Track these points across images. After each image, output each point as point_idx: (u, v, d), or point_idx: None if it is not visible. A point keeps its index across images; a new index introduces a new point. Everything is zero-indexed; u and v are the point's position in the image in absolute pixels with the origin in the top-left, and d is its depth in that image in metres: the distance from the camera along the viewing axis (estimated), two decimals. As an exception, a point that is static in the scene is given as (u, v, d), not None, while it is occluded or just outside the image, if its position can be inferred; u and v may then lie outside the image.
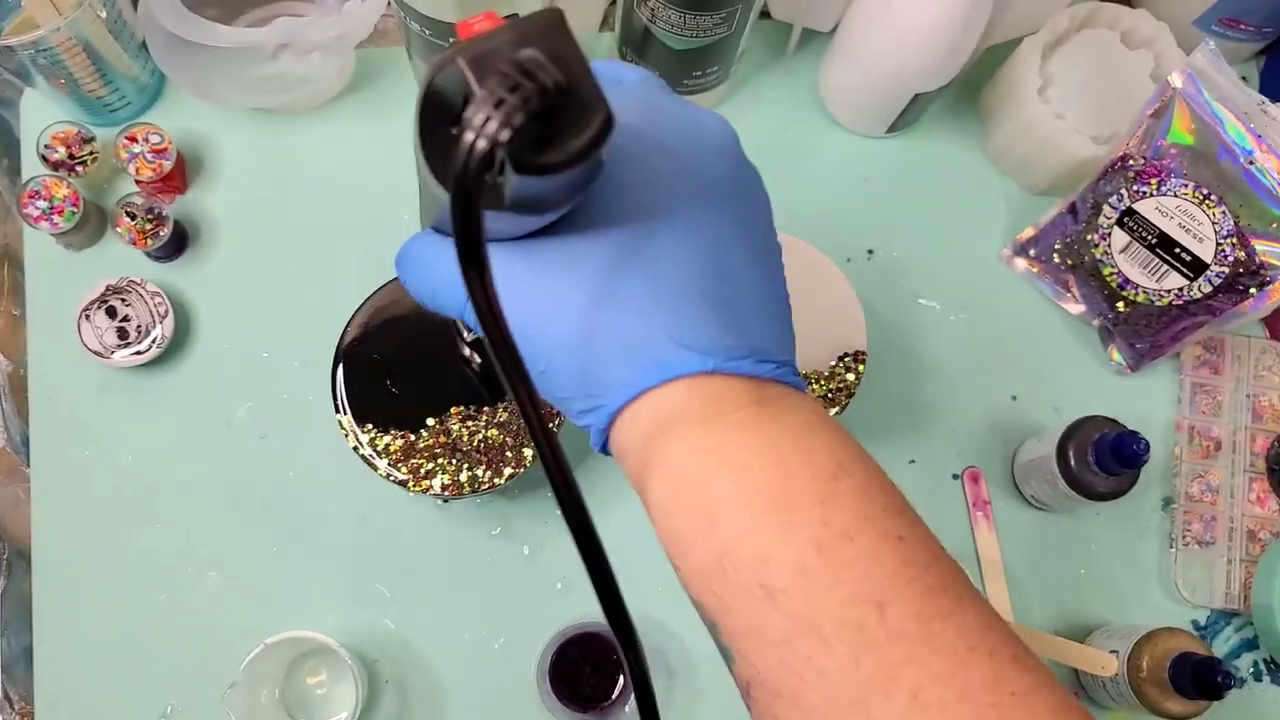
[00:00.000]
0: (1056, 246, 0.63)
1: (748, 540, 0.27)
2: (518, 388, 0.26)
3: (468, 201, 0.23)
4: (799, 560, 0.26)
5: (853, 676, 0.25)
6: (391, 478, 0.53)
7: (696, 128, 0.31)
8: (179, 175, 0.65)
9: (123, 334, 0.61)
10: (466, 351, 0.52)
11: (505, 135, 0.22)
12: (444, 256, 0.32)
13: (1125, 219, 0.60)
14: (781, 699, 0.27)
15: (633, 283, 0.28)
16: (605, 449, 0.31)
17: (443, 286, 0.32)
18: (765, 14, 0.66)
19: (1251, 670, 0.63)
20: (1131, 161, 0.59)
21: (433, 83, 0.25)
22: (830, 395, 0.56)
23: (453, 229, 0.24)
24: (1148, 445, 0.55)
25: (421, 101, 0.25)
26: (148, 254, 0.64)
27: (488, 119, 0.22)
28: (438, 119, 0.25)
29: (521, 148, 0.23)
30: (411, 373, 0.54)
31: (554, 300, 0.28)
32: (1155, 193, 0.59)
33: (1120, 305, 0.61)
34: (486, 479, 0.53)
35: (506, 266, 0.28)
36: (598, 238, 0.28)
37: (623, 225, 0.28)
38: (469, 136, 0.23)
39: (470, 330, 0.44)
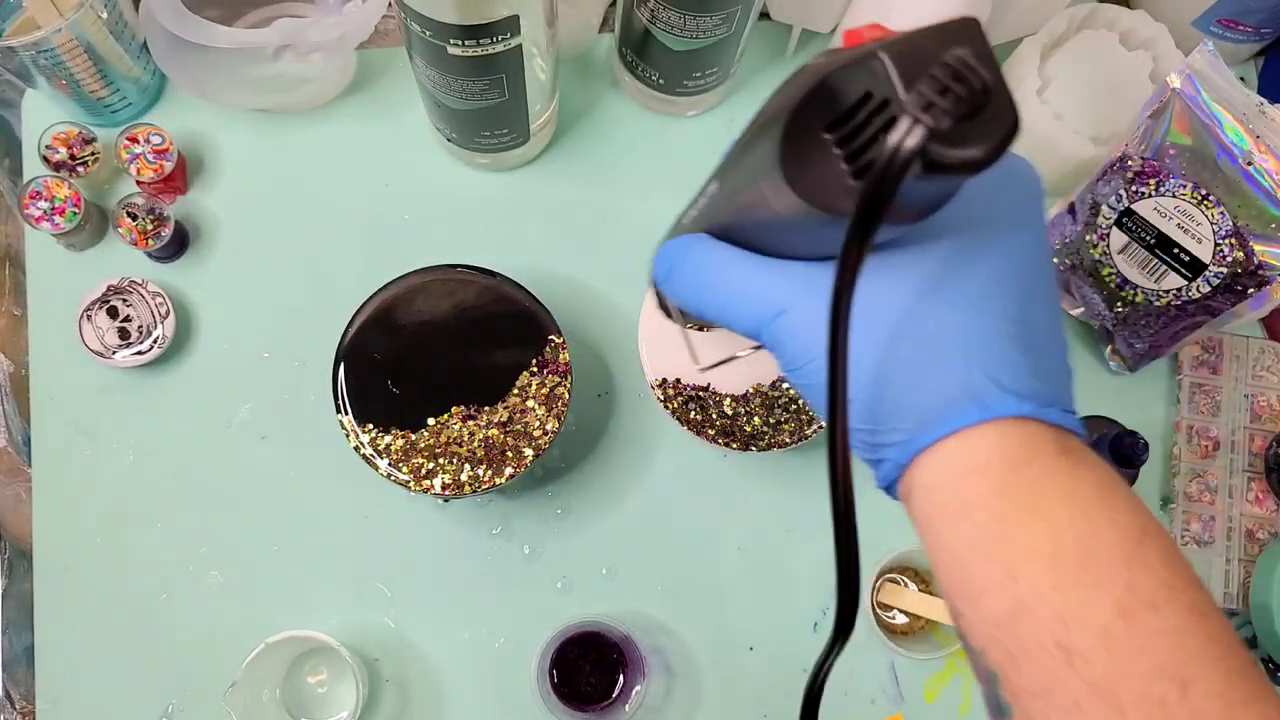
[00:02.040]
0: (1055, 247, 0.63)
1: (1050, 597, 0.26)
2: (840, 418, 0.25)
3: (874, 208, 0.23)
4: (1103, 625, 0.25)
5: None
6: (392, 477, 0.53)
7: (1009, 166, 0.30)
8: (180, 176, 0.65)
9: (124, 334, 0.62)
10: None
11: (944, 130, 0.22)
12: (748, 270, 0.31)
13: (1124, 219, 0.60)
14: None
15: (952, 318, 0.28)
16: (889, 487, 0.30)
17: (741, 301, 0.31)
18: (765, 15, 0.66)
19: (1250, 669, 0.63)
20: (1130, 162, 0.59)
21: (823, 83, 0.24)
22: (830, 395, 0.56)
23: (848, 235, 0.23)
24: (1146, 445, 0.55)
25: (801, 99, 0.24)
26: (149, 254, 0.64)
27: (926, 114, 0.22)
28: (810, 120, 0.24)
29: (936, 146, 0.23)
30: (412, 372, 0.55)
31: (871, 328, 0.28)
32: (1154, 193, 0.59)
33: (1119, 305, 0.61)
34: (487, 479, 0.54)
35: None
36: (918, 268, 0.28)
37: (943, 260, 0.28)
38: (898, 137, 0.22)
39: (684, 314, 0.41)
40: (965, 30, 0.23)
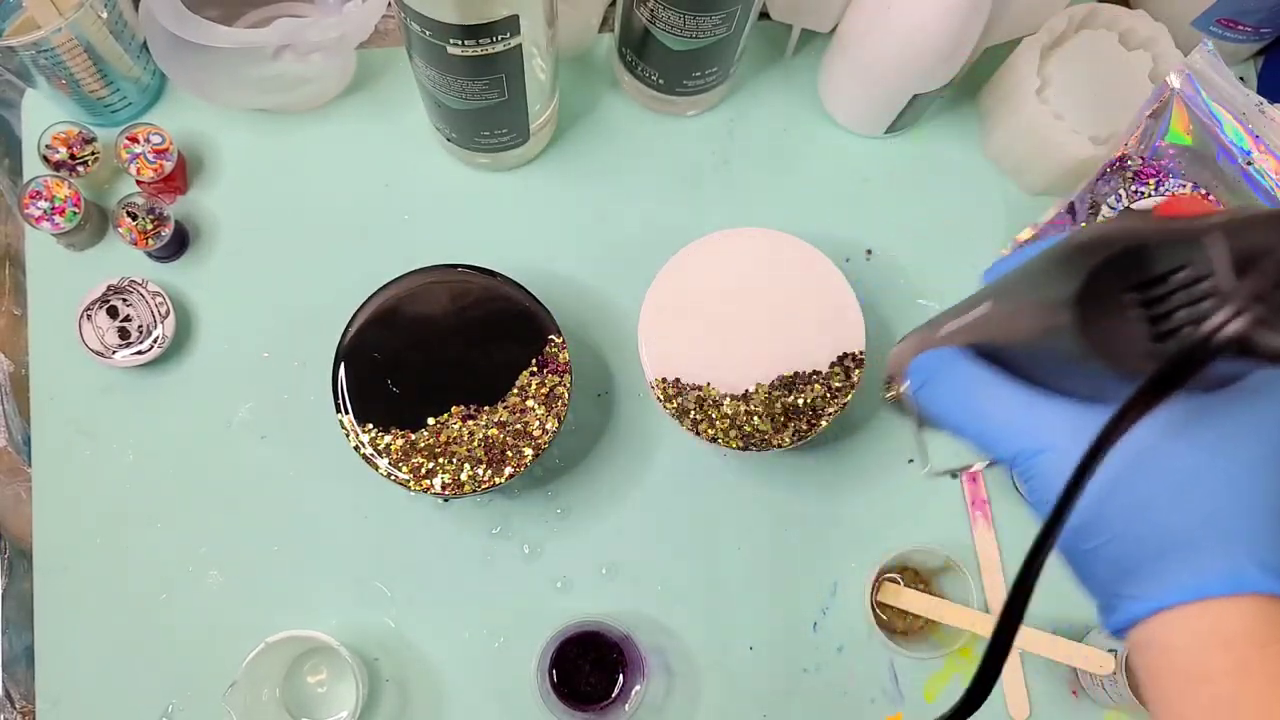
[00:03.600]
0: (1055, 247, 0.63)
1: None
2: (1039, 559, 0.26)
3: (1174, 380, 0.23)
4: None
5: None
6: (392, 477, 0.53)
7: None
8: (180, 175, 0.65)
9: (124, 334, 0.62)
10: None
11: (1255, 333, 0.22)
12: (1014, 399, 0.31)
13: (1123, 219, 0.60)
14: None
15: (1221, 480, 0.28)
16: (1118, 633, 0.30)
17: (1003, 429, 0.31)
18: (765, 15, 0.66)
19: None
20: (1130, 162, 0.59)
21: (1142, 245, 0.24)
22: (829, 395, 0.57)
23: (1133, 398, 0.24)
24: None
25: (1116, 255, 0.25)
26: (149, 254, 0.64)
27: (1241, 310, 0.22)
28: (1117, 276, 0.25)
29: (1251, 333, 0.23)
30: (412, 372, 0.55)
31: (1139, 476, 0.28)
32: (1153, 193, 0.59)
33: (1119, 305, 0.61)
34: (487, 478, 0.54)
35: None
36: (1197, 422, 0.28)
37: (1221, 416, 0.28)
38: (1221, 321, 0.22)
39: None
40: None
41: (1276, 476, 0.28)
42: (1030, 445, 0.30)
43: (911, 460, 0.65)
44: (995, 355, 0.32)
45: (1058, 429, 0.29)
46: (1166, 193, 0.59)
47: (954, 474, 0.41)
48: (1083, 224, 0.62)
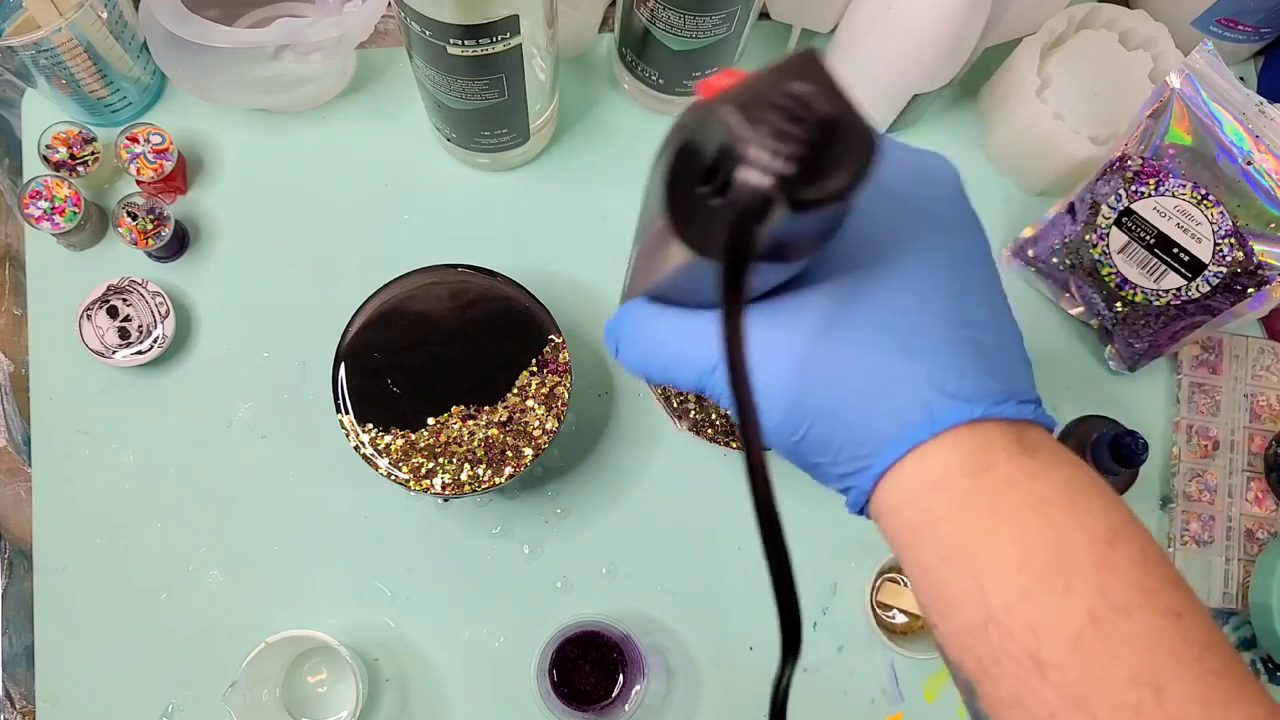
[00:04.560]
0: (1055, 246, 0.63)
1: (1019, 608, 0.26)
2: (757, 460, 0.25)
3: (741, 250, 0.23)
4: (1074, 633, 0.25)
5: None
6: (392, 477, 0.53)
7: (919, 169, 0.30)
8: (180, 175, 0.65)
9: (124, 334, 0.62)
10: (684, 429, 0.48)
11: (790, 170, 0.22)
12: (678, 326, 0.31)
13: (1123, 219, 0.60)
14: None
15: (885, 335, 0.27)
16: (863, 510, 0.30)
17: (680, 358, 0.31)
18: (765, 14, 0.66)
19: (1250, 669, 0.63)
20: (1130, 162, 0.59)
21: (686, 140, 0.24)
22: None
23: (720, 283, 0.23)
24: (1146, 445, 0.55)
25: (672, 162, 0.24)
26: (149, 254, 0.64)
27: (769, 156, 0.22)
28: (686, 179, 0.25)
29: (792, 184, 0.23)
30: (412, 372, 0.55)
31: (809, 364, 0.28)
32: (1153, 193, 0.59)
33: (1118, 305, 0.61)
34: (487, 478, 0.54)
35: (753, 332, 0.27)
36: (839, 291, 0.28)
37: (861, 276, 0.28)
38: (749, 176, 0.22)
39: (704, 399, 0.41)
40: (803, 66, 0.23)
41: (940, 314, 0.28)
42: (706, 363, 0.30)
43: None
44: (659, 296, 0.32)
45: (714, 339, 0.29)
46: (1166, 192, 0.59)
47: (698, 430, 0.42)
48: (1082, 223, 0.62)
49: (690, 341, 0.30)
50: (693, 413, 0.57)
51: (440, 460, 0.54)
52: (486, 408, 0.54)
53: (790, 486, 0.64)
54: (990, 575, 0.26)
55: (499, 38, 0.49)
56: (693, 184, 0.25)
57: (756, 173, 0.22)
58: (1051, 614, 0.25)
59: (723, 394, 0.30)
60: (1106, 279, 0.61)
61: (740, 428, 0.25)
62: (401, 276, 0.56)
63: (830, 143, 0.23)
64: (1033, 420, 0.28)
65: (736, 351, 0.24)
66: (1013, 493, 0.27)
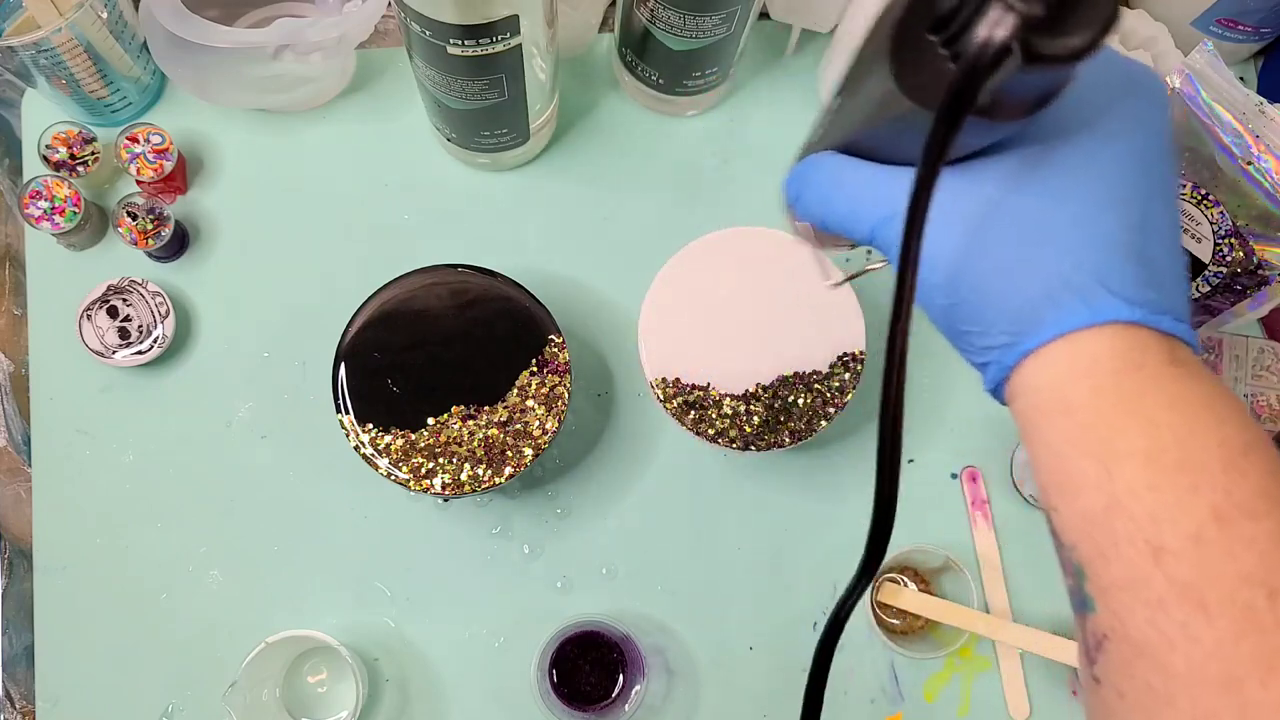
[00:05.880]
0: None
1: (1145, 496, 0.26)
2: (902, 326, 0.26)
3: (963, 98, 0.23)
4: (1196, 527, 0.25)
5: (1230, 653, 0.25)
6: (392, 477, 0.53)
7: (1129, 72, 0.30)
8: (180, 175, 0.65)
9: (124, 334, 0.62)
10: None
11: (1037, 12, 0.22)
12: (866, 175, 0.31)
13: (1123, 219, 0.60)
14: (1143, 659, 0.26)
15: (1061, 215, 0.28)
16: (996, 391, 0.30)
17: (859, 206, 0.31)
18: (765, 15, 0.66)
19: (1249, 669, 0.63)
20: (1130, 162, 0.59)
21: None
22: (829, 395, 0.57)
23: (932, 131, 0.24)
24: None
25: (905, 6, 0.25)
26: (149, 254, 0.64)
27: (1007, 9, 0.22)
28: (916, 25, 0.25)
29: (1033, 34, 0.23)
30: (412, 372, 0.55)
31: (981, 229, 0.28)
32: (1153, 193, 0.59)
33: (1119, 305, 0.61)
34: (487, 478, 0.54)
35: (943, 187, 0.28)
36: (1025, 163, 0.28)
37: (1049, 153, 0.28)
38: (988, 27, 0.22)
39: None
40: None
41: (1119, 212, 0.28)
42: (882, 212, 0.30)
43: (912, 460, 0.65)
44: (856, 148, 0.32)
45: (904, 191, 0.29)
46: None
47: (852, 279, 0.41)
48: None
49: (874, 189, 0.31)
50: (693, 413, 0.57)
51: (440, 460, 0.54)
52: (486, 408, 0.54)
53: (789, 486, 0.64)
54: (1119, 463, 0.26)
55: (499, 38, 0.49)
56: (922, 31, 0.25)
57: (999, 16, 0.22)
58: (1175, 506, 0.26)
59: (892, 245, 0.30)
60: (1106, 279, 0.61)
61: (899, 280, 0.25)
62: (401, 276, 0.56)
63: (1072, 2, 0.23)
64: (1181, 339, 0.28)
65: (922, 201, 0.24)
66: (1154, 393, 0.27)
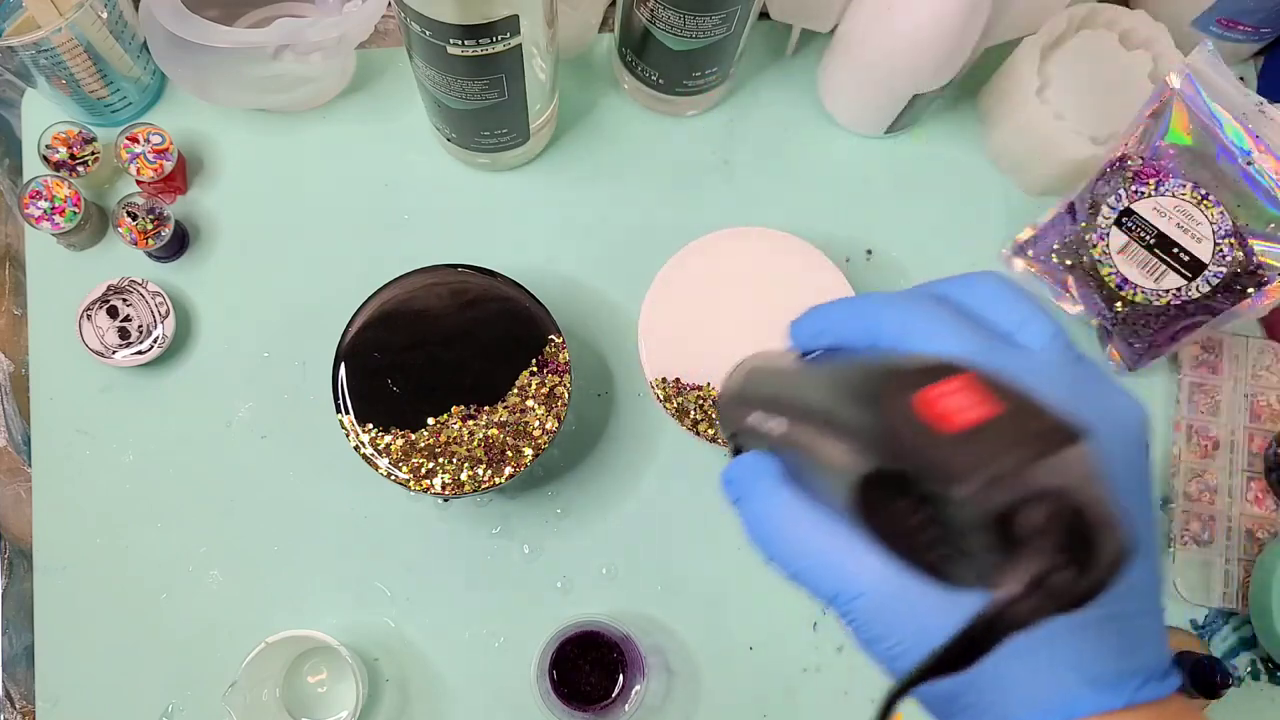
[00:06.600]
0: (1055, 246, 0.63)
1: None
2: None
3: (978, 646, 0.22)
4: None
5: None
6: (392, 477, 0.53)
7: (1113, 410, 0.29)
8: (180, 175, 0.65)
9: (124, 334, 0.62)
10: None
11: (1061, 604, 0.21)
12: (820, 538, 0.29)
13: (1123, 219, 0.60)
14: None
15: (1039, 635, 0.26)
16: None
17: (815, 567, 0.30)
18: (765, 15, 0.66)
19: (1249, 669, 0.63)
20: (1130, 162, 0.59)
21: (907, 470, 0.23)
22: (829, 395, 0.56)
23: (951, 646, 0.22)
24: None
25: (880, 476, 0.23)
26: (149, 254, 0.64)
27: (1033, 587, 0.21)
28: (890, 486, 0.23)
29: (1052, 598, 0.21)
30: (412, 372, 0.55)
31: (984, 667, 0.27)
32: (1153, 193, 0.59)
33: (1118, 305, 0.61)
34: (487, 478, 0.54)
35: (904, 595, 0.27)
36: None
37: None
38: (1010, 599, 0.21)
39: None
40: (1044, 432, 0.22)
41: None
42: (848, 589, 0.29)
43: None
44: (823, 495, 0.30)
45: (871, 571, 0.28)
46: (1166, 192, 0.59)
47: None
48: (1082, 223, 0.62)
49: (839, 560, 0.29)
50: (693, 413, 0.57)
51: (440, 460, 0.54)
52: (486, 408, 0.54)
53: (790, 486, 0.64)
54: None
55: (499, 38, 0.49)
56: (893, 488, 0.23)
57: (1016, 599, 0.21)
58: None
59: (857, 622, 0.29)
60: (1106, 279, 0.61)
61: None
62: (401, 276, 0.56)
63: (1085, 540, 0.21)
64: (1164, 694, 0.28)
65: (898, 694, 0.24)
66: None
